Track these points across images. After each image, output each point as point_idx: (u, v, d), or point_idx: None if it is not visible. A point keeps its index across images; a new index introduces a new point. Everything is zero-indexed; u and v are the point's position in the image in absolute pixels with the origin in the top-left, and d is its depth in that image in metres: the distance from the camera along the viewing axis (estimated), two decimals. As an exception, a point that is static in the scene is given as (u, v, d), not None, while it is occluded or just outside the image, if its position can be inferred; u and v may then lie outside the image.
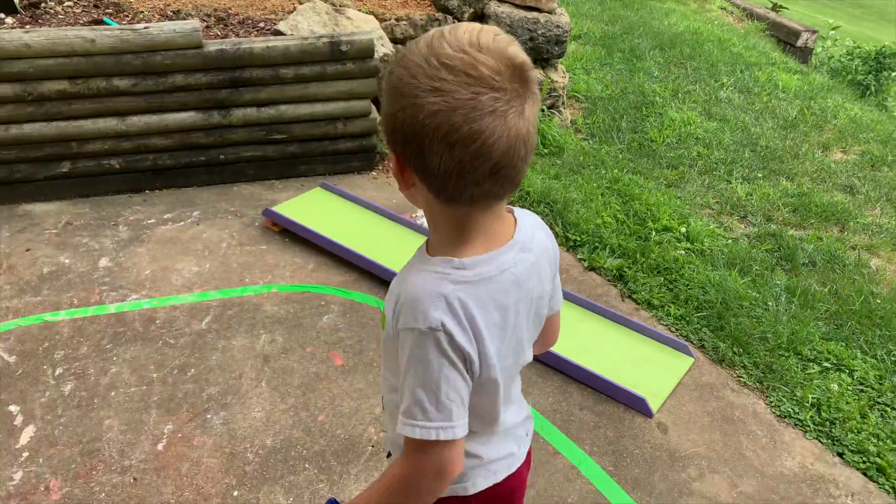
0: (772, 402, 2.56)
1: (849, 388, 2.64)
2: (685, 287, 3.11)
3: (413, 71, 0.86)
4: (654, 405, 2.45)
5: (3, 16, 3.48)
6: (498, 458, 1.15)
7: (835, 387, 2.62)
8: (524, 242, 1.03)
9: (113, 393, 2.33)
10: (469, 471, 1.11)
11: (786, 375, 2.66)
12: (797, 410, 2.51)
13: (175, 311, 2.74)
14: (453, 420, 0.95)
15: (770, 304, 3.06)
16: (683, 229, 3.54)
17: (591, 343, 2.73)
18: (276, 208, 3.29)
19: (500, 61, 0.86)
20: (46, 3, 3.66)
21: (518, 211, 1.08)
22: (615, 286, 3.15)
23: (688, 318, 2.95)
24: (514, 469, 1.17)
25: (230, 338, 2.62)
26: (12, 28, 3.36)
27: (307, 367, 2.50)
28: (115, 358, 2.48)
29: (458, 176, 0.88)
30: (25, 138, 3.21)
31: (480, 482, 1.13)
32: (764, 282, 3.22)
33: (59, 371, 2.40)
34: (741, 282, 3.17)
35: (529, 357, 1.13)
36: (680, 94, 5.47)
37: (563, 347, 2.60)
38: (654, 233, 3.48)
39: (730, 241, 3.58)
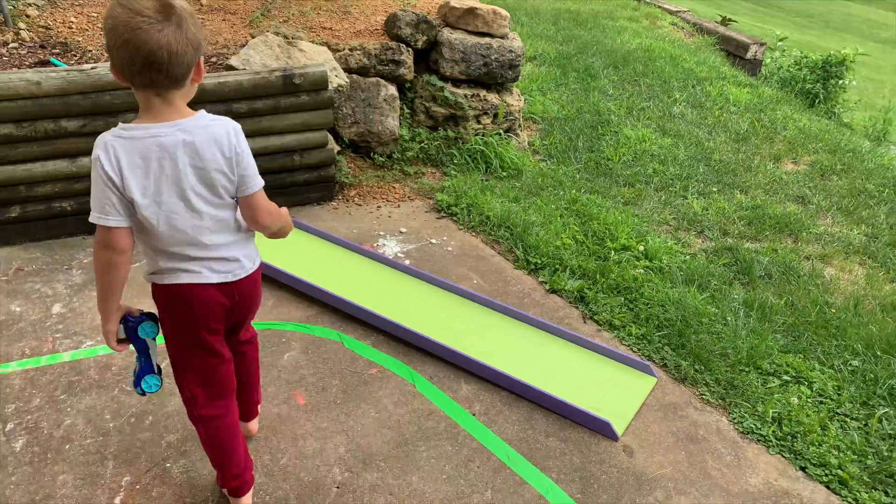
0: (734, 418, 2.59)
1: (808, 400, 2.69)
2: (645, 306, 3.14)
3: (108, 9, 1.50)
4: (618, 428, 2.46)
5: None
6: (175, 268, 1.72)
7: (795, 400, 2.67)
8: (185, 127, 1.60)
9: (67, 446, 2.26)
10: (159, 268, 1.73)
11: (747, 391, 2.70)
12: (759, 426, 2.54)
13: (131, 356, 2.66)
14: (105, 214, 1.59)
15: (729, 318, 3.11)
16: (642, 247, 3.59)
17: (555, 368, 2.74)
18: None
19: (152, 2, 1.47)
20: (-10, 44, 3.60)
21: (208, 115, 1.67)
22: (577, 308, 3.16)
23: (649, 338, 2.97)
24: (194, 281, 1.74)
25: (189, 381, 2.56)
26: (-46, 72, 3.28)
27: (269, 409, 2.46)
28: (69, 409, 2.41)
29: (127, 67, 1.50)
30: (-29, 184, 3.13)
31: (165, 278, 1.73)
32: (722, 297, 3.28)
33: (10, 426, 2.32)
34: (700, 298, 3.22)
35: (206, 209, 1.69)
36: (634, 112, 5.56)
37: (527, 373, 2.62)
38: (613, 252, 3.52)
39: (688, 257, 3.63)
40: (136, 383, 1.90)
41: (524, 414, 2.52)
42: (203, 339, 1.83)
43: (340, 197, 4.02)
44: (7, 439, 2.28)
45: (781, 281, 3.49)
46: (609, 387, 2.66)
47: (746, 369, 2.81)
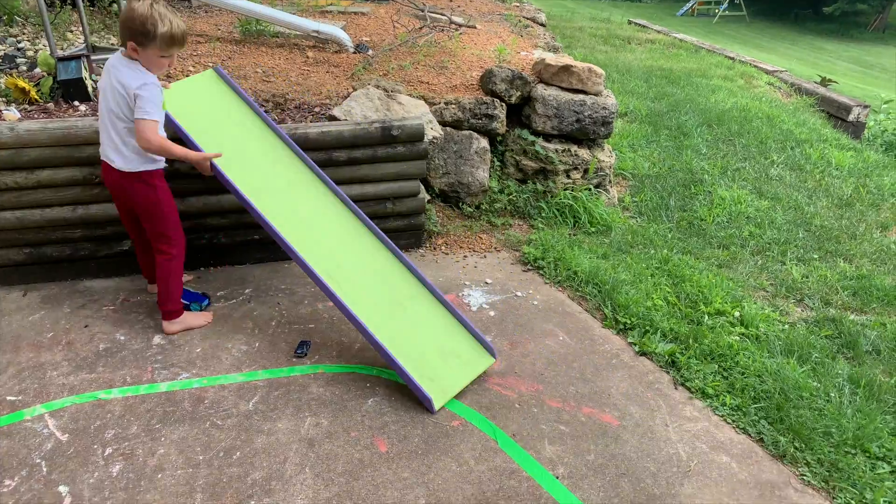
0: (839, 504, 2.41)
1: (923, 490, 2.47)
2: (741, 375, 3.00)
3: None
4: (437, 403, 2.69)
5: (77, 103, 3.70)
6: None
7: (908, 489, 2.46)
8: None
9: (160, 475, 2.34)
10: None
11: (853, 475, 2.51)
12: (867, 515, 2.36)
13: (223, 390, 2.76)
14: None
15: (832, 395, 2.92)
16: (737, 313, 3.45)
17: (413, 324, 2.92)
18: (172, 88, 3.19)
19: None
20: (118, 90, 3.89)
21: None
22: (668, 373, 3.05)
23: (744, 409, 2.83)
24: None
25: (276, 420, 2.62)
26: (85, 115, 3.57)
27: (351, 453, 2.47)
28: (163, 439, 2.50)
29: None
30: (91, 218, 3.36)
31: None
32: (825, 371, 3.09)
33: (108, 451, 2.42)
34: (800, 370, 3.05)
35: (110, 123, 2.75)
36: (729, 172, 5.43)
37: (387, 324, 2.86)
38: (706, 316, 3.40)
39: (786, 326, 3.46)
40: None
41: (610, 480, 2.43)
42: None
43: (428, 245, 4.08)
44: (105, 464, 2.37)
45: (891, 358, 3.27)
46: (451, 358, 2.84)
47: (853, 451, 2.62)
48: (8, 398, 2.66)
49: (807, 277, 3.99)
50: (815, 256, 4.27)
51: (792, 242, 4.40)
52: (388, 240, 3.12)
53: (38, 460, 2.37)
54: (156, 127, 2.67)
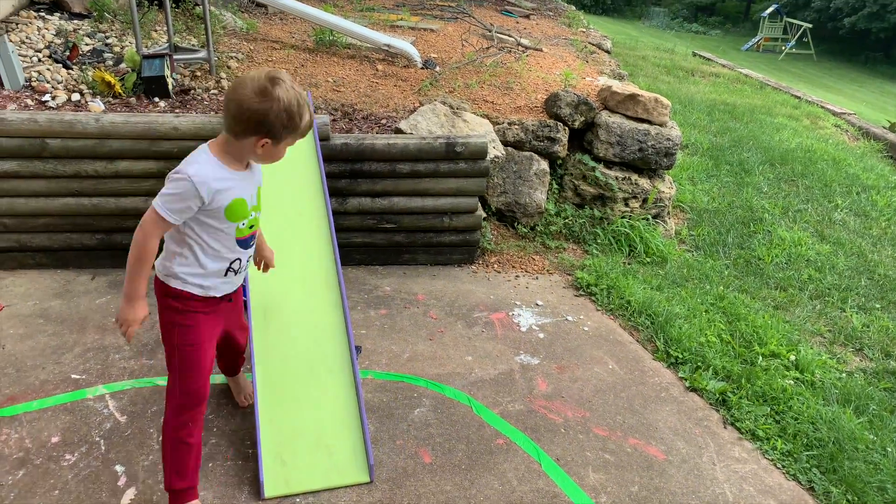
0: (891, 563, 2.34)
1: (983, 558, 2.38)
2: (794, 420, 2.93)
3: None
4: (269, 490, 2.29)
5: (157, 99, 3.86)
6: None
7: (966, 555, 2.37)
8: None
9: (210, 464, 2.40)
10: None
11: (908, 534, 2.43)
12: (921, 577, 2.28)
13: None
14: None
15: (889, 449, 2.83)
16: (792, 357, 3.38)
17: (310, 398, 2.56)
18: None
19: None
20: (195, 90, 4.04)
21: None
22: (717, 411, 3.00)
23: (796, 455, 2.76)
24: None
25: (324, 421, 2.66)
26: (164, 111, 3.72)
27: (396, 461, 2.50)
28: (215, 429, 2.57)
29: None
30: (161, 210, 3.48)
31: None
32: (882, 424, 3.00)
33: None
34: (856, 422, 2.97)
35: None
36: (790, 213, 5.32)
37: (280, 388, 2.55)
38: (760, 357, 3.34)
39: (843, 374, 3.37)
40: None
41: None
42: None
43: (481, 262, 4.10)
44: (160, 448, 2.45)
45: (953, 417, 3.15)
46: (321, 453, 2.43)
47: (908, 510, 2.54)
48: (73, 376, 2.77)
49: (867, 327, 3.88)
50: (878, 306, 4.15)
51: (853, 290, 4.29)
52: (348, 307, 2.77)
53: (98, 438, 2.46)
54: (157, 220, 1.93)
